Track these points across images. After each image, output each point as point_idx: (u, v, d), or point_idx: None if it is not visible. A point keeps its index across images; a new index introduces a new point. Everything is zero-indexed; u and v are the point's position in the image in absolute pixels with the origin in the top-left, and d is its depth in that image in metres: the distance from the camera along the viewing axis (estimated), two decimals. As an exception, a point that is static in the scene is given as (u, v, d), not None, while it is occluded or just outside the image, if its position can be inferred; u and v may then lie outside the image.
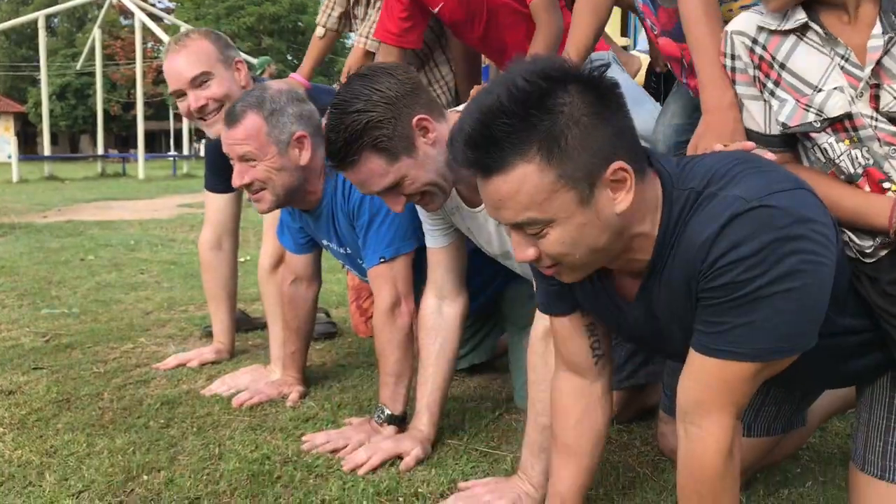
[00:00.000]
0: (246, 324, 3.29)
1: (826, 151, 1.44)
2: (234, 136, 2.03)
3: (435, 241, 2.01)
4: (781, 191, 1.19)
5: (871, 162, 1.39)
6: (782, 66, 1.44)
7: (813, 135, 1.44)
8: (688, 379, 1.30)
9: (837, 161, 1.43)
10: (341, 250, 2.27)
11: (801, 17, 1.42)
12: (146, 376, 2.63)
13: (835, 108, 1.39)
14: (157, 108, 42.35)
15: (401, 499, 1.75)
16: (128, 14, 21.61)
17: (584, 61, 1.91)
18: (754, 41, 1.47)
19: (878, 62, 1.36)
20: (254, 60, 22.73)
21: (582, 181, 1.18)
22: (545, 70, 1.19)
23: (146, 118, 19.93)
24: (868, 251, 1.42)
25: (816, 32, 1.41)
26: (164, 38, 18.76)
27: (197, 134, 37.84)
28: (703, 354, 1.26)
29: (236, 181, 2.06)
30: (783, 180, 1.22)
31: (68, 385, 2.52)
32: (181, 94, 2.41)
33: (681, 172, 1.29)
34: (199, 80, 2.38)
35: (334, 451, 1.97)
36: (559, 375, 1.56)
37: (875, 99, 1.38)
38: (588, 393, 1.52)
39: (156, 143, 47.53)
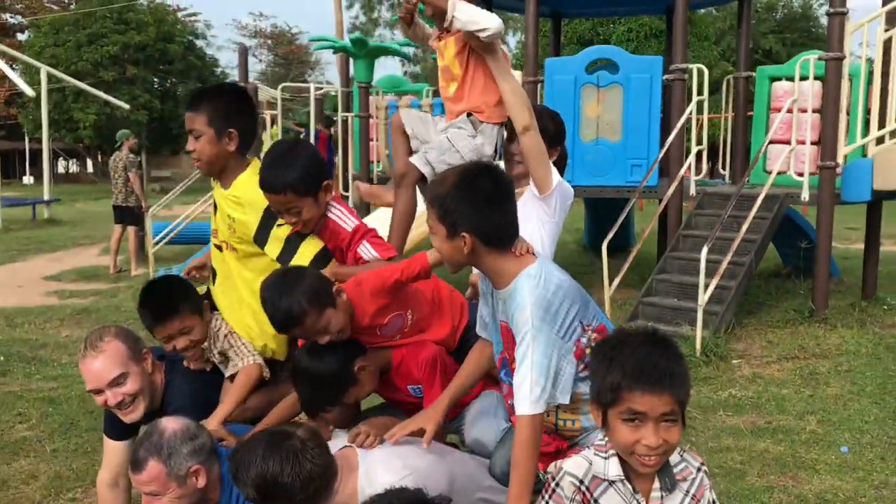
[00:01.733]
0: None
1: None
2: (139, 480, 2.40)
3: None
4: None
5: None
6: (596, 501, 1.97)
7: None
8: None
9: None
10: None
11: (619, 472, 1.95)
12: None
13: None
14: (11, 129, 40.34)
15: None
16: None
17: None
18: (581, 482, 1.97)
19: None
20: (117, 102, 22.22)
21: None
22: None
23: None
24: None
25: (624, 484, 1.95)
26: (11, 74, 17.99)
27: (53, 153, 36.15)
28: None
29: None
30: None
31: None
32: (98, 391, 2.76)
33: None
34: (116, 381, 2.74)
35: None
36: None
37: None
38: None
39: (9, 164, 45.20)
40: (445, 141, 2.80)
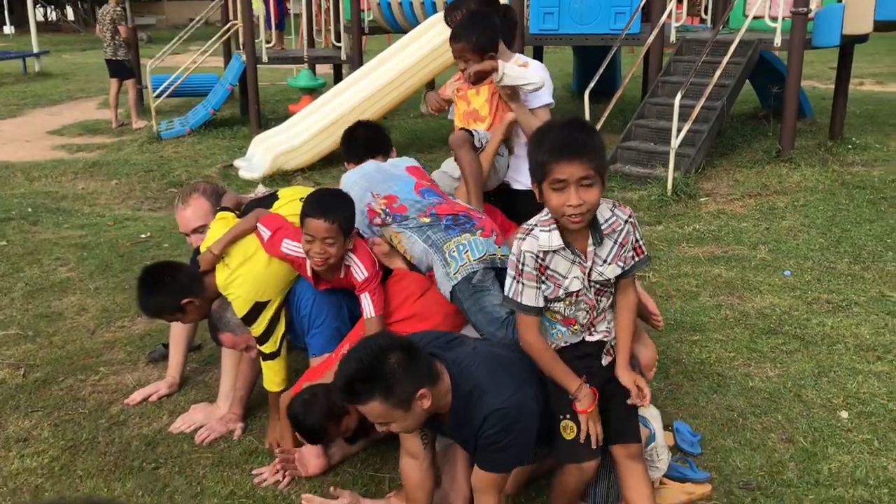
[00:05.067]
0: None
1: (556, 311, 2.56)
2: None
3: None
4: (510, 396, 2.42)
5: (572, 313, 2.54)
6: (547, 267, 2.52)
7: (553, 304, 2.56)
8: (475, 475, 2.53)
9: (562, 311, 2.58)
10: None
11: (559, 242, 2.48)
12: (122, 415, 3.62)
13: (572, 287, 2.51)
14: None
15: (324, 518, 2.92)
16: None
17: None
18: (537, 256, 2.50)
19: (592, 259, 2.51)
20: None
21: (405, 403, 2.37)
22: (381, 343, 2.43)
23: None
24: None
25: (565, 250, 2.50)
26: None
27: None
28: (480, 468, 2.48)
29: None
30: (514, 389, 2.44)
31: (67, 430, 3.49)
32: (186, 234, 3.55)
33: (460, 372, 2.47)
34: (199, 230, 3.48)
35: (276, 483, 3.10)
36: (403, 457, 2.73)
37: (589, 275, 2.52)
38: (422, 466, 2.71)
39: (-13, 14, 43.84)
40: None
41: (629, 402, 2.58)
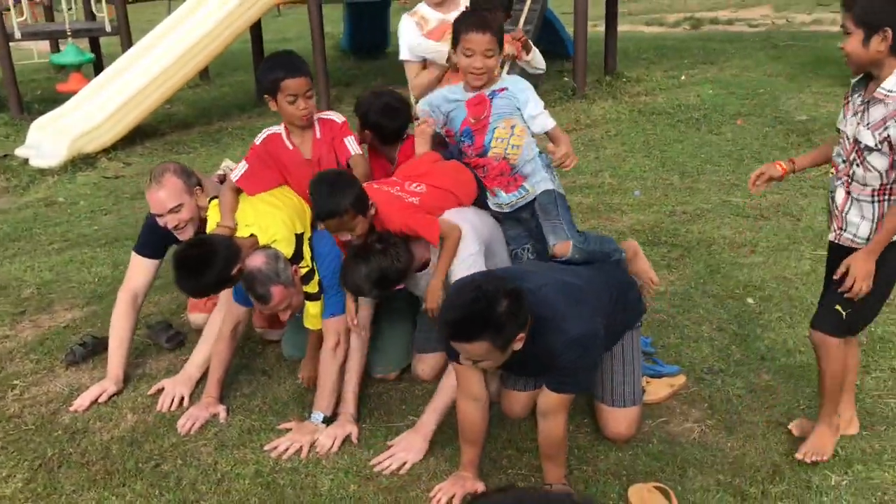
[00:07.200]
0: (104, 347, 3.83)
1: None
2: (272, 306, 3.10)
3: None
4: (587, 324, 2.57)
5: (837, 153, 2.73)
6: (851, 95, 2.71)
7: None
8: (545, 400, 2.65)
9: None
10: None
11: (856, 80, 2.70)
12: (77, 423, 3.26)
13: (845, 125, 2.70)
14: None
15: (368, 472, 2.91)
16: None
17: None
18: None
19: (853, 108, 2.67)
20: None
21: (506, 345, 2.44)
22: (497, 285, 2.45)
23: None
24: None
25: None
26: None
27: None
28: (551, 391, 2.63)
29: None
30: (590, 317, 2.60)
31: (23, 450, 3.10)
32: (160, 215, 3.38)
33: (537, 300, 2.56)
34: (174, 209, 3.31)
35: (297, 452, 3.01)
36: (463, 401, 2.76)
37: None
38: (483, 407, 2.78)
39: None
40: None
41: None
